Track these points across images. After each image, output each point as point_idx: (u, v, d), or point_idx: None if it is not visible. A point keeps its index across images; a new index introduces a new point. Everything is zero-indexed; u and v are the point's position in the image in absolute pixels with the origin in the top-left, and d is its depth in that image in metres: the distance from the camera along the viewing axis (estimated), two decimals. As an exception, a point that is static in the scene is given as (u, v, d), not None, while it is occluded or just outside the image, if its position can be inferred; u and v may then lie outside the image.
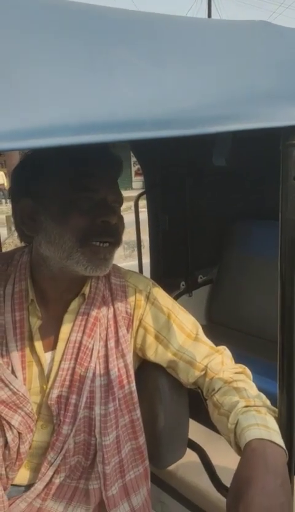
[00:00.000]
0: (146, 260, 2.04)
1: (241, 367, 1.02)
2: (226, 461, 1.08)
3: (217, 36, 0.58)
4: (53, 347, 0.97)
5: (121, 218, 0.96)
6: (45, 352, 0.97)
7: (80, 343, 0.96)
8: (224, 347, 1.06)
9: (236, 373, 0.99)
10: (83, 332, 0.96)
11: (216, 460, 1.13)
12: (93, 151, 0.89)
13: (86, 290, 0.98)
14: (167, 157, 1.85)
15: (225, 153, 1.31)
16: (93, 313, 0.98)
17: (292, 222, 0.70)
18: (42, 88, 0.41)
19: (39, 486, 0.96)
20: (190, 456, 1.17)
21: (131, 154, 1.96)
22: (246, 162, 1.84)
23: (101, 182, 0.92)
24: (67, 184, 0.89)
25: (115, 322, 1.00)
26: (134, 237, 2.08)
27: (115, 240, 0.93)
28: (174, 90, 0.50)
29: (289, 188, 0.67)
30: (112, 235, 0.92)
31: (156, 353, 1.04)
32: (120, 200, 0.96)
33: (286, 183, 0.67)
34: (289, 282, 0.74)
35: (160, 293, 1.07)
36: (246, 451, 0.79)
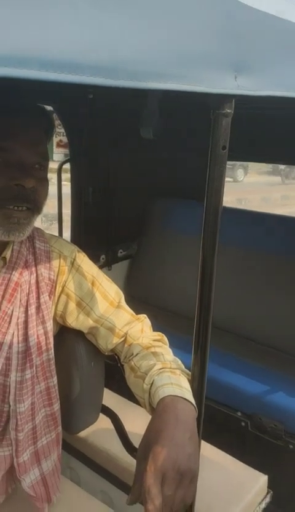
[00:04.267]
0: (66, 233, 2.00)
1: (159, 335, 1.05)
2: (137, 426, 1.12)
3: None
4: None
5: (42, 182, 0.90)
6: None
7: None
8: (144, 315, 1.09)
9: (154, 340, 1.02)
10: (3, 297, 0.93)
11: (127, 426, 1.16)
12: (12, 108, 0.84)
13: (7, 253, 0.94)
14: (94, 126, 1.81)
15: (152, 125, 1.31)
16: (14, 278, 0.94)
17: (217, 191, 0.72)
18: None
19: None
20: (102, 422, 1.19)
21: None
22: (172, 141, 1.87)
23: (18, 142, 0.86)
24: None
25: (37, 288, 0.97)
26: (52, 210, 2.02)
27: (32, 205, 0.88)
28: (115, 38, 0.49)
29: (217, 157, 0.69)
30: (27, 200, 0.86)
31: (77, 320, 1.04)
32: (42, 162, 0.90)
33: (215, 152, 0.69)
34: (209, 258, 0.76)
35: (84, 260, 1.06)
36: (159, 406, 0.83)
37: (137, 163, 2.02)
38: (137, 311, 1.11)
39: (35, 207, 0.89)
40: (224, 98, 0.65)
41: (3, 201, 0.84)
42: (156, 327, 1.10)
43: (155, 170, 2.11)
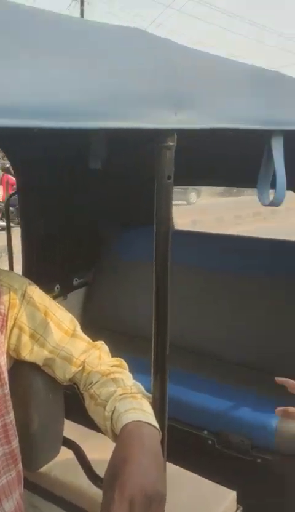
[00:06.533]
0: (18, 265, 1.97)
1: (117, 360, 1.05)
2: (101, 456, 1.10)
3: (96, 36, 0.61)
4: None
5: None
6: None
7: None
8: (102, 342, 1.09)
9: (113, 366, 1.03)
10: None
11: (91, 456, 1.14)
12: None
13: None
14: (41, 158, 1.82)
15: (100, 156, 1.35)
16: None
17: (166, 220, 0.76)
18: None
19: None
20: (64, 455, 1.17)
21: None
22: (120, 168, 1.92)
23: None
24: None
25: None
26: (1, 243, 2.00)
27: None
28: (54, 82, 0.51)
29: (164, 186, 0.73)
30: None
31: (31, 352, 1.02)
32: None
33: (160, 182, 0.73)
34: (162, 279, 0.78)
35: (36, 292, 1.05)
36: (123, 432, 0.82)
37: (87, 192, 2.04)
38: (95, 337, 1.11)
39: None
40: (165, 133, 0.69)
41: None
42: (116, 352, 1.10)
43: (107, 199, 2.14)
